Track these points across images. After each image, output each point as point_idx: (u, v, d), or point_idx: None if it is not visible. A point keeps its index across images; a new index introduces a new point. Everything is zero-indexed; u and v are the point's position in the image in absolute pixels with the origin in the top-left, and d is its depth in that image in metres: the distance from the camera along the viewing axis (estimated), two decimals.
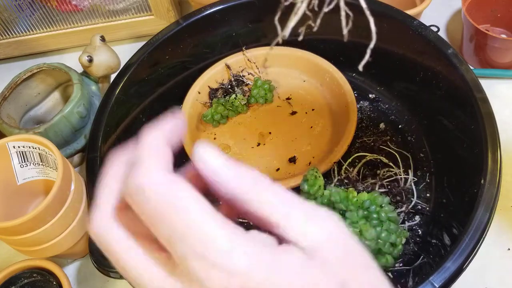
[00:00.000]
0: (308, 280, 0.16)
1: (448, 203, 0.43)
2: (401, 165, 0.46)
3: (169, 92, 0.54)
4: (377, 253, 0.39)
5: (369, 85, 0.54)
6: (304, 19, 0.20)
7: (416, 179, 0.46)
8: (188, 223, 0.15)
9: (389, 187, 0.45)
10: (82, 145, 0.52)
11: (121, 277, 0.36)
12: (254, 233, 0.17)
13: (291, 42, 0.52)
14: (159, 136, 0.18)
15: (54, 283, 0.42)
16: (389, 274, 0.41)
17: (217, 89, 0.55)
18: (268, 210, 0.17)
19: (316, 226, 0.17)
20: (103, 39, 0.54)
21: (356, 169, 0.46)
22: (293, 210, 0.17)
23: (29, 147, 0.42)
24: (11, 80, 0.51)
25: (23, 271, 0.42)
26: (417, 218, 0.44)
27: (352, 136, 0.47)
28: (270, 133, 0.51)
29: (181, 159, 0.42)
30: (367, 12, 0.19)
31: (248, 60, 0.55)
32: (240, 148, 0.51)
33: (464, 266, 0.33)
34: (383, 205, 0.39)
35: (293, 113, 0.53)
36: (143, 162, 0.17)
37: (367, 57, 0.19)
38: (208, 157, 0.17)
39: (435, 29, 0.50)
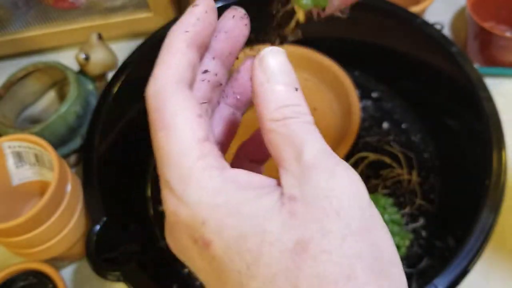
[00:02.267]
0: (258, 228, 0.14)
1: (453, 205, 0.43)
2: (404, 166, 0.45)
3: None
4: None
5: (372, 83, 0.53)
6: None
7: (420, 180, 0.45)
8: (162, 139, 0.15)
9: (392, 188, 0.44)
10: (79, 145, 0.51)
11: (118, 280, 0.36)
12: (238, 172, 0.15)
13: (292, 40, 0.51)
14: (175, 35, 0.17)
15: (50, 286, 0.41)
16: None
17: None
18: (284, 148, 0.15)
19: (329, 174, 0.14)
20: (100, 37, 0.54)
21: (359, 170, 0.45)
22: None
23: (25, 147, 0.41)
24: (6, 79, 0.51)
25: (19, 273, 0.42)
26: (421, 219, 0.43)
27: (354, 136, 0.46)
28: None
29: None
30: None
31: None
32: None
33: (469, 268, 0.33)
34: (386, 206, 0.38)
35: None
36: (154, 70, 0.16)
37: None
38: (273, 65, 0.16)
39: (439, 27, 0.49)
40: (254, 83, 0.16)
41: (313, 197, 0.14)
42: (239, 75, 0.19)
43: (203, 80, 0.18)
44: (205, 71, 0.18)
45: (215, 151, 0.15)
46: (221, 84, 0.19)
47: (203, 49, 0.17)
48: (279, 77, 0.16)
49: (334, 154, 0.15)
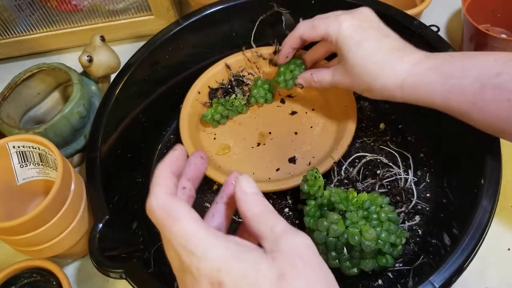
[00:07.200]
0: (255, 266, 0.22)
1: (448, 203, 0.43)
2: (401, 165, 0.46)
3: (169, 92, 0.54)
4: (377, 253, 0.38)
5: None
6: None
7: (416, 179, 0.46)
8: (178, 228, 0.23)
9: (389, 187, 0.45)
10: (82, 145, 0.52)
11: (120, 277, 0.36)
12: (234, 238, 0.23)
13: None
14: (162, 168, 0.26)
15: (54, 283, 0.42)
16: (389, 274, 0.41)
17: (217, 89, 0.55)
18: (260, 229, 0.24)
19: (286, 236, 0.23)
20: (103, 39, 0.54)
21: (356, 169, 0.46)
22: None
23: (29, 147, 0.42)
24: (11, 80, 0.51)
25: (23, 271, 0.42)
26: (417, 218, 0.44)
27: (352, 136, 0.47)
28: (270, 133, 0.51)
29: None
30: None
31: (248, 60, 0.55)
32: (240, 148, 0.51)
33: (464, 266, 0.33)
34: (383, 205, 0.39)
35: (293, 113, 0.53)
36: (151, 190, 0.24)
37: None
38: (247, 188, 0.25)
39: (435, 29, 0.50)
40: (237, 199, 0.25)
41: (284, 249, 0.22)
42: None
43: (183, 194, 0.27)
44: (184, 188, 0.27)
45: (213, 227, 0.24)
46: (193, 196, 0.27)
47: (179, 176, 0.27)
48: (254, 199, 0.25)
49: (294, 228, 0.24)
